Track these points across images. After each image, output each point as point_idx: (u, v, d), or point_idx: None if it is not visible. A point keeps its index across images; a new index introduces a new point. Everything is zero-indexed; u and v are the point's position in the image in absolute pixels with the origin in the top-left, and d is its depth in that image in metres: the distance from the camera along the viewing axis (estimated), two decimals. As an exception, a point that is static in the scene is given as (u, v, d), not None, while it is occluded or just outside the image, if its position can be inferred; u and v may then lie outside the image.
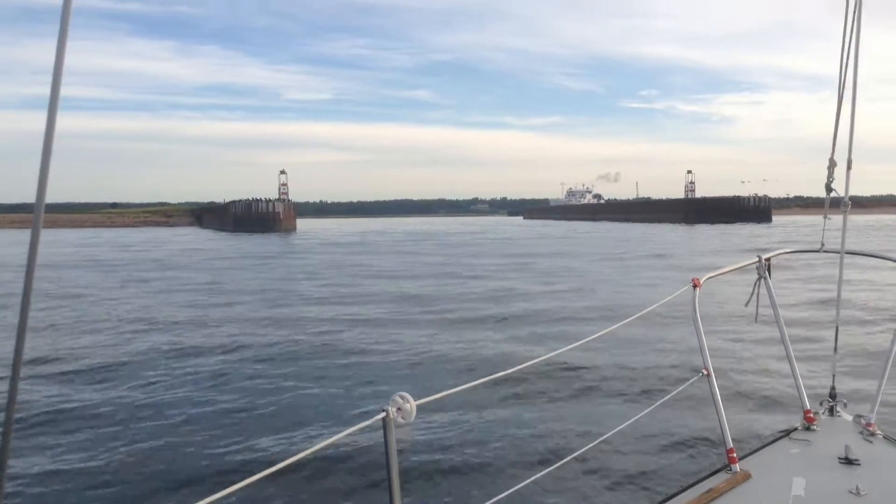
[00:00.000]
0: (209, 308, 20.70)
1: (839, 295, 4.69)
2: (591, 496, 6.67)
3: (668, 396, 4.23)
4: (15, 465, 7.61)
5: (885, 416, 4.27)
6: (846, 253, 4.61)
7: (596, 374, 11.01)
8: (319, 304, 21.27)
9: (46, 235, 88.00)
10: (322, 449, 2.14)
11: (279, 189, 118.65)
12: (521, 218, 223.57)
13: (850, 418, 4.18)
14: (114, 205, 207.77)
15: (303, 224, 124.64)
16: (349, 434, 2.15)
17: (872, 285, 21.45)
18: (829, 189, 4.44)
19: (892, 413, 6.61)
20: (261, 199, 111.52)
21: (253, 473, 1.93)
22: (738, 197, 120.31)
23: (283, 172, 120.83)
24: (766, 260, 4.32)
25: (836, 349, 4.70)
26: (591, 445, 3.74)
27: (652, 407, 4.13)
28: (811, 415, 4.05)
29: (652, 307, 4.00)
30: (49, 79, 1.23)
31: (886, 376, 4.05)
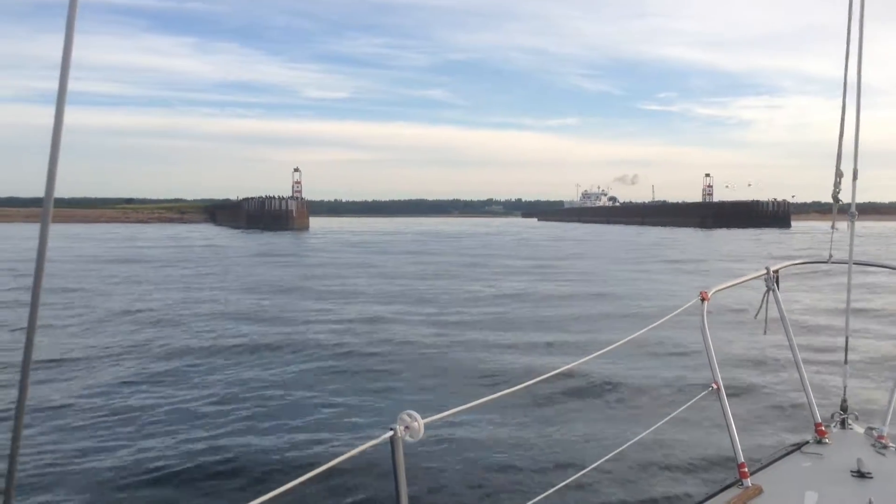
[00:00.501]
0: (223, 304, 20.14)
1: (848, 306, 4.68)
2: None
3: (678, 411, 4.16)
4: (42, 450, 8.09)
5: None
6: (854, 263, 4.59)
7: (604, 389, 10.87)
8: (330, 307, 20.72)
9: (66, 230, 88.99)
10: (329, 469, 2.06)
11: (293, 187, 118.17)
12: (536, 220, 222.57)
13: (861, 431, 4.14)
14: (129, 200, 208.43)
15: (316, 223, 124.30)
16: (356, 453, 2.10)
17: (882, 295, 21.00)
18: (836, 199, 4.47)
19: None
20: (274, 197, 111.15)
21: (259, 494, 1.87)
22: (757, 201, 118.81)
23: (296, 170, 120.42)
24: (774, 272, 4.29)
25: (846, 360, 4.66)
26: (600, 462, 3.70)
27: (661, 422, 4.10)
28: (822, 428, 4.02)
29: (660, 321, 3.97)
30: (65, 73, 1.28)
31: None
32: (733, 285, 4.32)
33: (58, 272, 29.14)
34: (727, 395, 3.60)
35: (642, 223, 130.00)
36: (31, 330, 1.30)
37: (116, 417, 9.65)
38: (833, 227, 4.67)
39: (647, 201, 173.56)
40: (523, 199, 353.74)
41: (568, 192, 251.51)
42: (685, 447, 8.10)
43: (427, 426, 2.18)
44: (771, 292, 4.29)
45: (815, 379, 6.14)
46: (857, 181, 4.43)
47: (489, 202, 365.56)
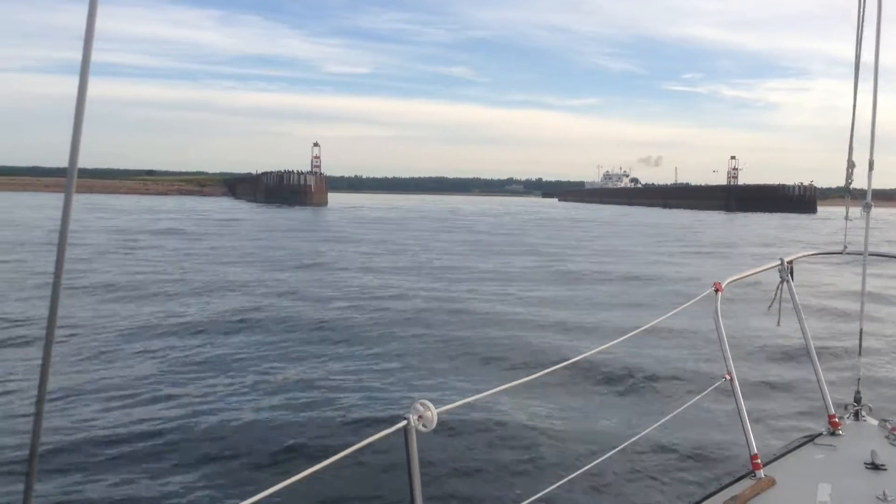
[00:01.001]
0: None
1: (863, 297, 4.67)
2: (614, 503, 6.55)
3: (691, 402, 4.17)
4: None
5: None
6: (870, 255, 4.60)
7: (617, 379, 10.74)
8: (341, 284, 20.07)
9: (89, 199, 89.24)
10: (342, 458, 2.02)
11: (312, 162, 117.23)
12: (556, 200, 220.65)
13: (875, 423, 4.13)
14: (149, 172, 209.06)
15: (335, 198, 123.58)
16: (370, 442, 2.07)
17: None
18: (848, 189, 4.47)
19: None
20: (292, 172, 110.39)
21: (269, 485, 1.85)
22: (783, 185, 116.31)
23: (316, 145, 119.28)
24: (788, 263, 4.26)
25: (860, 352, 4.65)
26: (613, 452, 3.71)
27: (674, 412, 4.11)
28: (836, 419, 4.00)
29: (674, 311, 3.95)
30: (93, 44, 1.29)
31: None
32: (747, 276, 4.30)
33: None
34: (740, 386, 3.56)
35: (664, 205, 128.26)
36: (55, 298, 1.28)
37: (128, 397, 9.43)
38: (847, 218, 4.65)
39: (669, 183, 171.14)
40: (543, 179, 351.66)
41: (589, 173, 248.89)
42: (698, 438, 8.03)
43: (440, 415, 2.16)
44: (785, 283, 4.24)
45: (828, 370, 6.06)
46: (875, 166, 4.39)
47: (509, 181, 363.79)
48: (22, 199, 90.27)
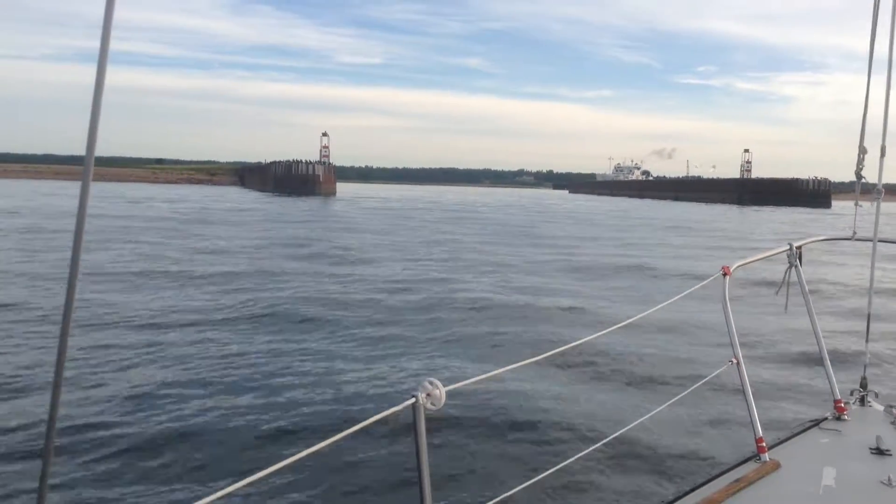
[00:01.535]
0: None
1: (871, 284, 4.65)
2: (618, 484, 6.58)
3: (698, 385, 4.23)
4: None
5: None
6: (879, 241, 4.57)
7: (625, 361, 10.80)
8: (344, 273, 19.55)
9: (99, 188, 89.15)
10: (350, 434, 2.03)
11: (320, 151, 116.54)
12: (567, 192, 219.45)
13: (881, 408, 4.13)
14: (159, 160, 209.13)
15: (345, 188, 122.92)
16: (378, 419, 2.10)
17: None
18: (859, 176, 4.44)
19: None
20: (301, 161, 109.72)
21: (282, 459, 1.89)
22: (797, 179, 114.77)
23: (324, 134, 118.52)
24: (797, 248, 4.25)
25: (867, 338, 4.67)
26: (619, 433, 3.75)
27: (681, 395, 4.17)
28: (842, 404, 4.00)
29: (681, 295, 3.95)
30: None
31: None
32: (756, 260, 4.29)
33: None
34: (747, 370, 3.56)
35: (676, 198, 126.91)
36: (71, 285, 1.28)
37: (139, 384, 9.43)
38: (857, 203, 4.63)
39: (680, 176, 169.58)
40: (555, 171, 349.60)
41: (600, 165, 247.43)
42: (704, 420, 8.08)
43: (449, 394, 2.17)
44: (793, 268, 4.23)
45: (835, 356, 6.05)
46: (885, 159, 4.39)
47: (520, 173, 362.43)
48: (36, 187, 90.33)
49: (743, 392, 3.54)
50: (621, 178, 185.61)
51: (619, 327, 3.60)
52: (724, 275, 3.80)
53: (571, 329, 13.06)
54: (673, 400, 4.05)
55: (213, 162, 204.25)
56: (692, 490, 3.12)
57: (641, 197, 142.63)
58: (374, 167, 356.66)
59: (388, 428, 7.15)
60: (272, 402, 8.71)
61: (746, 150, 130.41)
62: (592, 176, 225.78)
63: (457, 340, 12.38)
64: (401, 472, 6.58)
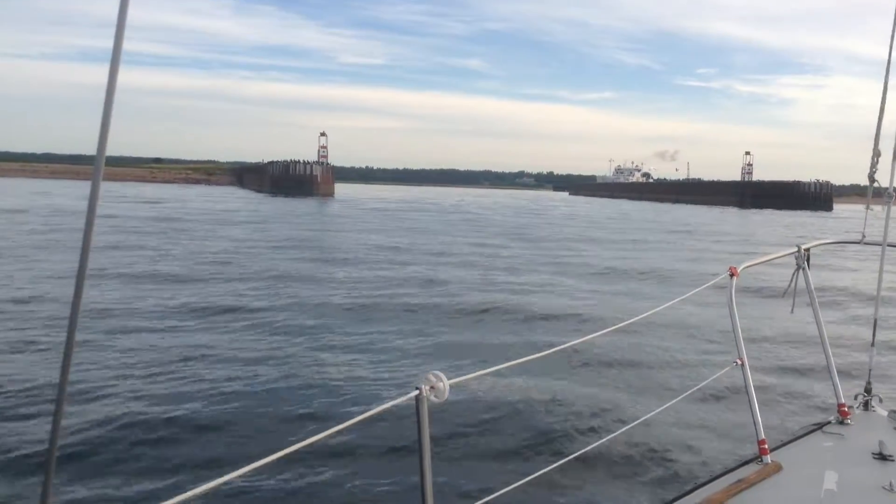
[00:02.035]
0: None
1: (879, 287, 4.63)
2: (619, 482, 6.53)
3: (702, 385, 4.32)
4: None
5: None
6: (888, 245, 4.55)
7: (630, 360, 10.75)
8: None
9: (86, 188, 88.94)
10: (354, 424, 2.05)
11: (318, 152, 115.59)
12: (567, 194, 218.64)
13: (885, 413, 4.11)
14: (157, 160, 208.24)
15: (344, 189, 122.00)
16: (381, 411, 2.11)
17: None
18: (871, 179, 4.42)
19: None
20: (299, 161, 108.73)
21: (286, 447, 1.89)
22: (798, 182, 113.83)
23: (323, 135, 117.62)
24: (804, 250, 4.22)
25: (873, 343, 4.61)
26: (622, 431, 3.90)
27: (684, 395, 4.26)
28: (845, 408, 3.98)
29: (688, 294, 4.02)
30: (112, 31, 1.26)
31: None
32: (763, 262, 4.29)
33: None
34: (751, 372, 3.54)
35: (676, 201, 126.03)
36: (79, 285, 1.27)
37: (153, 367, 9.75)
38: (868, 207, 4.61)
39: (681, 179, 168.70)
40: (555, 173, 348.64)
41: (601, 167, 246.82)
42: (707, 421, 8.06)
43: (452, 387, 2.17)
44: (801, 270, 4.22)
45: (840, 359, 6.03)
46: None
47: (520, 174, 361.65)
48: (33, 186, 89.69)
49: (746, 393, 3.52)
50: (621, 180, 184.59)
51: (624, 325, 3.58)
52: (732, 276, 3.76)
53: (577, 327, 13.19)
54: (676, 399, 4.07)
55: (214, 162, 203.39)
56: (693, 490, 3.10)
57: (642, 199, 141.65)
58: (375, 168, 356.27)
59: (392, 419, 7.01)
60: (274, 394, 8.80)
61: (747, 153, 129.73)
62: (593, 178, 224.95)
63: (460, 339, 12.56)
64: (403, 463, 6.62)
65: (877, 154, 4.39)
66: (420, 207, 74.89)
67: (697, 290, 4.02)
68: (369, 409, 2.09)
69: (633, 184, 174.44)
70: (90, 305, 13.82)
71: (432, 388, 2.14)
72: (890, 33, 4.19)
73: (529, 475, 2.92)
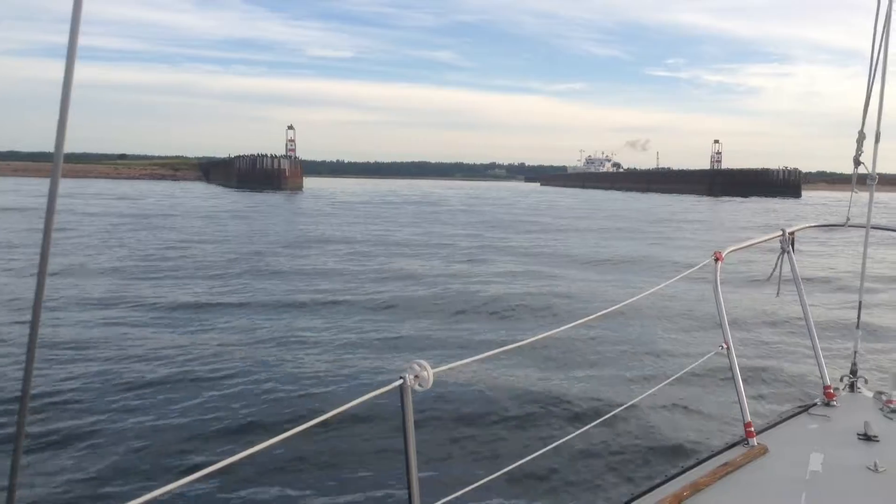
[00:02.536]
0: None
1: (863, 270, 4.64)
2: (606, 466, 6.50)
3: (687, 369, 4.30)
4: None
5: None
6: (872, 228, 4.60)
7: (615, 346, 10.73)
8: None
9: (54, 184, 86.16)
10: (338, 414, 2.07)
11: (286, 145, 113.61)
12: (539, 184, 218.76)
13: (870, 395, 4.15)
14: (121, 156, 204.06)
15: (313, 182, 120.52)
16: (365, 400, 2.10)
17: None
18: (857, 162, 4.45)
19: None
20: (266, 156, 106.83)
21: (267, 438, 1.87)
22: (767, 170, 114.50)
23: (290, 128, 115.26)
24: (789, 234, 4.24)
25: (858, 325, 4.66)
26: (607, 416, 3.95)
27: (670, 380, 4.28)
28: (831, 390, 4.03)
29: (673, 280, 4.05)
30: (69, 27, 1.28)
31: None
32: (748, 246, 4.31)
33: None
34: (736, 356, 3.56)
35: (647, 190, 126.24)
36: (41, 278, 1.27)
37: (138, 366, 9.52)
38: (854, 190, 4.57)
39: (650, 168, 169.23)
40: (526, 164, 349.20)
41: (572, 158, 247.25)
42: (693, 405, 8.05)
43: (436, 376, 2.17)
44: (785, 254, 4.21)
45: (826, 342, 5.85)
46: (880, 147, 4.39)
47: (492, 166, 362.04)
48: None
49: (732, 377, 3.54)
50: (592, 170, 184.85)
51: (608, 312, 3.56)
52: (717, 260, 3.78)
53: (559, 314, 13.15)
54: (662, 384, 4.17)
55: (182, 157, 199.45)
56: (679, 474, 3.09)
57: (613, 189, 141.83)
58: (346, 161, 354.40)
59: (377, 409, 7.03)
60: (256, 386, 8.67)
61: (716, 141, 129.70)
62: (563, 168, 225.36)
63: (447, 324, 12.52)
64: (388, 452, 6.58)
65: (862, 137, 4.40)
66: (386, 200, 73.81)
67: (682, 275, 4.02)
68: (352, 400, 2.05)
69: (603, 173, 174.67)
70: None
71: (417, 377, 2.12)
72: (874, 21, 4.23)
73: (515, 462, 2.91)
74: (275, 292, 15.79)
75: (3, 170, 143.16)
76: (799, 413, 3.87)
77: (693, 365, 4.17)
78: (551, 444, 3.27)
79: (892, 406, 3.89)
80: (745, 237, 4.80)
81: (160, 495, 1.52)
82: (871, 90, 4.32)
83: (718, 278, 3.72)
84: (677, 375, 4.23)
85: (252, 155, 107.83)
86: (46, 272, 1.27)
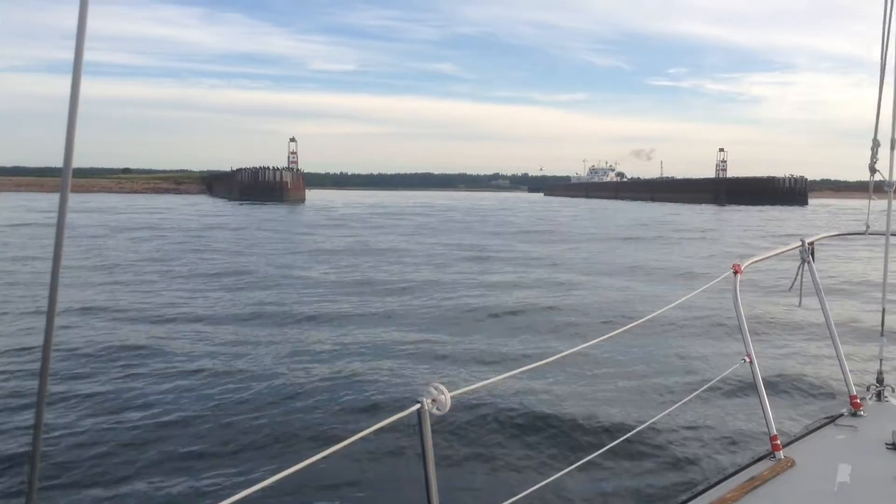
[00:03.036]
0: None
1: (885, 277, 4.57)
2: (631, 484, 6.40)
3: (711, 383, 4.26)
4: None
5: None
6: (893, 235, 4.52)
7: (636, 362, 10.53)
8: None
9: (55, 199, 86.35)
10: (356, 441, 2.02)
11: (288, 158, 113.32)
12: (542, 194, 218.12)
13: None
14: (125, 170, 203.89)
15: (316, 195, 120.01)
16: (383, 426, 2.09)
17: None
18: (872, 170, 4.39)
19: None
20: (268, 168, 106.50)
21: (288, 466, 1.86)
22: (773, 178, 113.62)
23: (292, 140, 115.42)
24: (809, 244, 4.19)
25: (882, 333, 4.56)
26: (632, 433, 3.95)
27: (694, 394, 4.24)
28: (857, 400, 3.95)
29: (692, 294, 3.96)
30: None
31: None
32: (768, 258, 4.27)
33: None
34: (760, 368, 3.50)
35: (651, 199, 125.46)
36: (53, 291, 1.28)
37: (146, 384, 9.33)
38: (871, 198, 4.55)
39: (654, 177, 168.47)
40: (530, 174, 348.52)
41: (575, 168, 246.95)
42: (717, 419, 7.93)
43: (454, 398, 2.13)
44: (806, 264, 4.15)
45: (850, 351, 5.65)
46: (895, 152, 4.34)
47: (495, 176, 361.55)
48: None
49: (756, 390, 3.47)
50: (596, 179, 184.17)
51: (630, 327, 3.50)
52: (735, 273, 3.73)
53: (577, 330, 12.92)
54: (685, 399, 4.22)
55: (185, 171, 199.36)
56: (706, 489, 3.04)
57: (617, 198, 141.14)
58: (350, 174, 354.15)
59: (396, 433, 6.94)
60: (273, 410, 8.43)
61: (721, 150, 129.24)
62: (567, 178, 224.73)
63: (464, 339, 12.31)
64: (408, 477, 6.41)
65: (876, 145, 4.34)
66: (389, 212, 73.16)
67: (701, 288, 3.97)
68: (370, 425, 2.03)
69: (607, 183, 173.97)
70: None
71: (434, 400, 2.08)
72: (882, 27, 4.21)
73: (538, 482, 2.88)
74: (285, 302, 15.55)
75: (6, 185, 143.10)
76: (825, 424, 3.82)
77: (716, 379, 4.19)
78: (574, 463, 3.29)
79: None
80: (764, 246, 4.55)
81: None
82: (882, 97, 4.27)
83: (738, 291, 3.68)
84: (701, 390, 4.13)
85: (254, 168, 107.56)
86: (58, 278, 1.27)
